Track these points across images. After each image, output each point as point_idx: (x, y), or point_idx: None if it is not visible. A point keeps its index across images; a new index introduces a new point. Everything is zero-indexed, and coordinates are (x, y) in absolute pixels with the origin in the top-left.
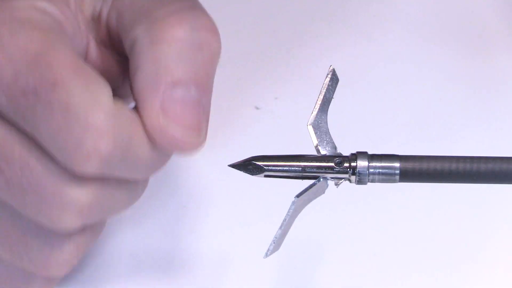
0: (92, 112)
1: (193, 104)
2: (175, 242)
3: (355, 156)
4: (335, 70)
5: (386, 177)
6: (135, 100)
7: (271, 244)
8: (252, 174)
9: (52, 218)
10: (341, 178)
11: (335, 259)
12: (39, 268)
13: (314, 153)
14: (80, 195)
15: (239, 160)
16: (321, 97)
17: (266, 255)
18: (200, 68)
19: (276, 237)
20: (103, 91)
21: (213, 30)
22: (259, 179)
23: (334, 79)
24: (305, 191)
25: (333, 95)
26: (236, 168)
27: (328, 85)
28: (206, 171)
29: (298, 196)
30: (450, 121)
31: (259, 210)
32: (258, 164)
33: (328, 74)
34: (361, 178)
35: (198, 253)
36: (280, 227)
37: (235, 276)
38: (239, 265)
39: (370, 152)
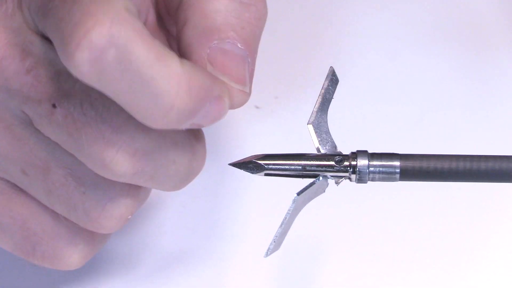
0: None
1: (239, 59)
2: (175, 242)
3: (355, 155)
4: (335, 71)
5: (386, 175)
6: (182, 53)
7: (271, 243)
8: (253, 173)
9: (106, 158)
10: (341, 177)
11: (335, 258)
12: (93, 220)
13: (315, 152)
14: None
15: (239, 159)
16: (321, 97)
17: (267, 254)
18: (247, 26)
19: (276, 236)
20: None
21: None
22: (259, 178)
23: (333, 80)
24: (305, 189)
25: (333, 96)
26: (236, 167)
27: (328, 86)
28: (206, 170)
29: (298, 194)
30: (450, 120)
31: (259, 209)
32: (258, 163)
33: (328, 75)
34: (361, 176)
35: (198, 253)
36: (281, 226)
37: (235, 275)
38: (239, 265)
39: (370, 151)
